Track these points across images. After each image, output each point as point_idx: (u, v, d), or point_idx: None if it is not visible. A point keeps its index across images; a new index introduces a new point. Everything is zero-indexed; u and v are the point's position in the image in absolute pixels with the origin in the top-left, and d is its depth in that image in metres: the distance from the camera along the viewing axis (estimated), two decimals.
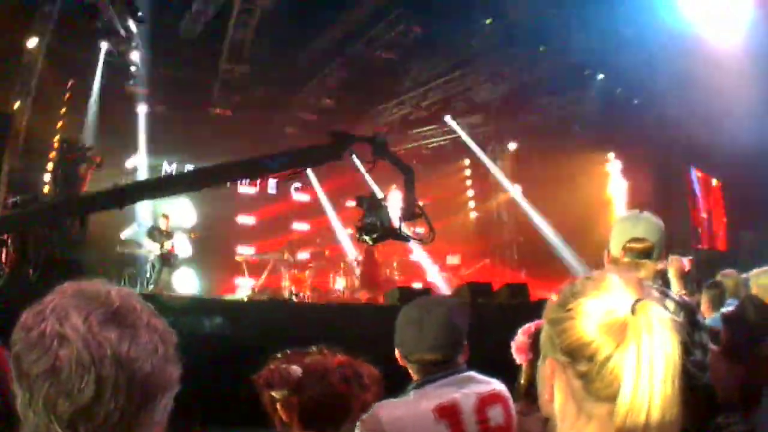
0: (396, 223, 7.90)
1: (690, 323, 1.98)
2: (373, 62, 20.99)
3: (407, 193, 8.15)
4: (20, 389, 1.57)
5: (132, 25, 17.78)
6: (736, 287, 6.78)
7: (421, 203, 8.16)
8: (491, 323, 3.73)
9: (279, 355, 3.16)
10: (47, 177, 17.26)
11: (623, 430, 1.55)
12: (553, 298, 1.82)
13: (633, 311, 1.62)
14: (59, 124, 18.04)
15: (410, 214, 7.97)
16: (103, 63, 18.52)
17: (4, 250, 12.24)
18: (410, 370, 3.62)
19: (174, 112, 20.83)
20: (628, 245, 4.19)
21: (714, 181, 17.62)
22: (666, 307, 1.69)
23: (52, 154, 17.46)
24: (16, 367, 1.58)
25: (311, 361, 3.08)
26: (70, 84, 18.08)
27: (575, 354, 1.68)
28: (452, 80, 21.90)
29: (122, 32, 17.92)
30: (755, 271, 6.30)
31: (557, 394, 1.78)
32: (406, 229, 8.24)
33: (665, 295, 1.87)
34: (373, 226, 7.80)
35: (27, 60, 16.55)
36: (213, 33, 19.03)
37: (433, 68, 21.79)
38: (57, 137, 17.74)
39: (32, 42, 16.45)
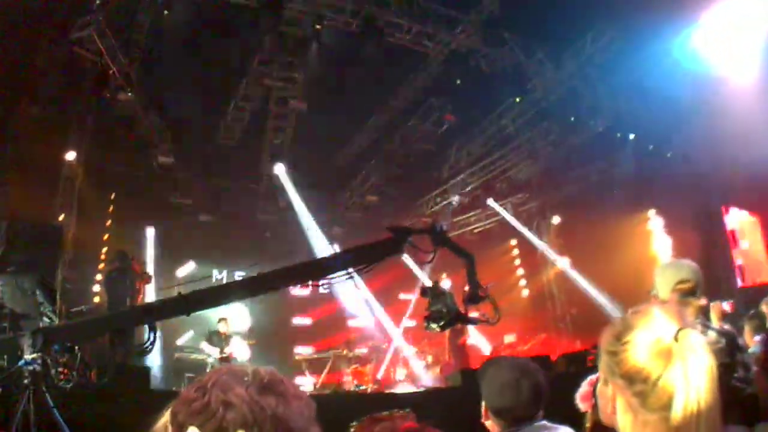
0: (461, 308, 7.97)
1: (731, 346, 2.29)
2: (412, 155, 21.35)
3: (470, 278, 8.18)
4: None
5: (170, 137, 18.30)
6: None
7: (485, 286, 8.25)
8: (552, 391, 3.94)
9: (353, 424, 3.32)
10: (96, 287, 17.70)
11: (679, 430, 1.94)
12: (608, 331, 2.16)
13: (676, 338, 1.98)
14: (106, 236, 18.51)
15: (475, 297, 8.02)
16: (146, 174, 19.01)
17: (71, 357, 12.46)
18: (492, 425, 3.91)
19: (220, 220, 21.23)
20: (677, 287, 4.74)
21: (752, 217, 17.50)
22: (708, 336, 2.07)
23: (101, 266, 17.85)
24: None
25: (381, 428, 3.23)
26: (113, 196, 18.56)
27: (632, 378, 2.03)
28: (490, 163, 22.21)
29: (159, 142, 18.48)
30: None
31: (619, 409, 2.12)
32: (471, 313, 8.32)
33: (707, 327, 2.21)
34: (440, 314, 7.86)
35: (67, 173, 17.05)
36: (252, 139, 19.52)
37: (470, 153, 22.10)
38: (105, 249, 18.21)
39: (71, 155, 16.96)
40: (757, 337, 6.58)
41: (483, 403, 3.97)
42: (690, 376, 1.93)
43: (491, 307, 8.11)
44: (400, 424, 3.26)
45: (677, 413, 1.93)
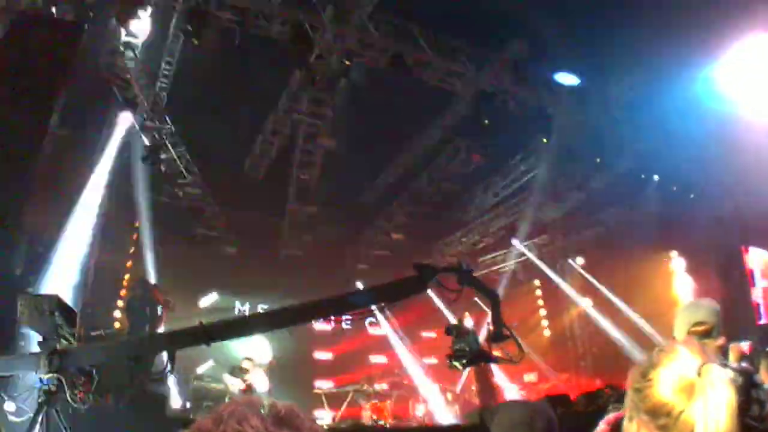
0: (484, 346, 7.96)
1: (747, 384, 2.35)
2: (437, 194, 21.41)
3: (495, 316, 8.16)
4: None
5: (195, 167, 18.52)
6: None
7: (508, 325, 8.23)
8: (572, 428, 4.01)
9: None
10: (117, 313, 17.86)
11: None
12: (635, 369, 2.27)
13: (699, 373, 2.09)
14: (129, 263, 18.68)
15: (500, 336, 7.99)
16: (170, 205, 19.26)
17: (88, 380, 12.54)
18: None
19: (244, 252, 21.35)
20: (693, 329, 4.81)
21: None
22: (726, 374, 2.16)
23: (123, 292, 17.98)
24: None
25: None
26: (137, 224, 18.57)
27: (656, 413, 2.13)
28: (515, 204, 22.30)
29: (186, 174, 18.69)
30: None
31: None
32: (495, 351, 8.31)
33: (725, 365, 2.28)
34: (463, 352, 7.85)
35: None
36: (278, 172, 19.71)
37: (495, 194, 22.15)
38: (127, 276, 18.39)
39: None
40: None
41: None
42: (710, 409, 2.00)
43: (514, 346, 8.10)
44: None
45: None
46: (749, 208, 15.79)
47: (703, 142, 15.91)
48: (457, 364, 7.98)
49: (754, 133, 15.07)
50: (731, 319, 4.47)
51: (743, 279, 17.04)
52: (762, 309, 16.90)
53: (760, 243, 17.25)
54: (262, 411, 1.84)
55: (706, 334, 4.99)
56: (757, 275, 17.25)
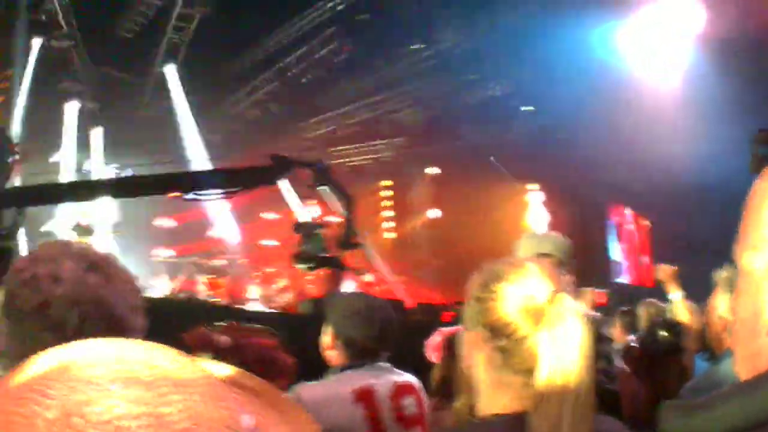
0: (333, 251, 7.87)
1: (595, 334, 2.23)
2: (303, 77, 21.20)
3: (347, 222, 8.10)
4: (9, 323, 1.79)
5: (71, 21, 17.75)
6: (650, 315, 7.02)
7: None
8: (402, 338, 3.90)
9: (217, 324, 3.35)
10: None
11: (540, 402, 1.83)
12: (477, 277, 2.07)
13: (551, 300, 1.91)
14: None
15: (350, 243, 7.91)
16: (38, 58, 18.34)
17: None
18: (337, 356, 3.81)
19: (105, 110, 20.71)
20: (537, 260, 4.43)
21: (642, 220, 17.95)
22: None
23: None
24: (8, 304, 1.79)
25: (237, 336, 3.27)
26: (10, 73, 17.99)
27: (496, 331, 1.95)
28: (378, 101, 22.25)
29: (64, 26, 17.90)
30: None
31: (479, 363, 2.04)
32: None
33: None
34: (310, 256, 7.76)
35: None
36: (151, 35, 19.16)
37: (361, 88, 22.08)
38: None
39: None
40: (632, 336, 6.80)
41: (329, 331, 3.86)
42: (558, 344, 1.84)
43: (364, 256, 8.15)
44: (257, 340, 3.35)
45: (540, 380, 1.83)
46: (622, 166, 16.17)
47: (585, 89, 16.11)
48: (302, 266, 7.99)
49: (645, 97, 15.45)
50: (585, 268, 4.38)
51: (603, 233, 17.62)
52: (623, 268, 17.56)
53: (631, 202, 17.78)
54: (79, 254, 1.85)
55: None
56: (619, 234, 17.87)
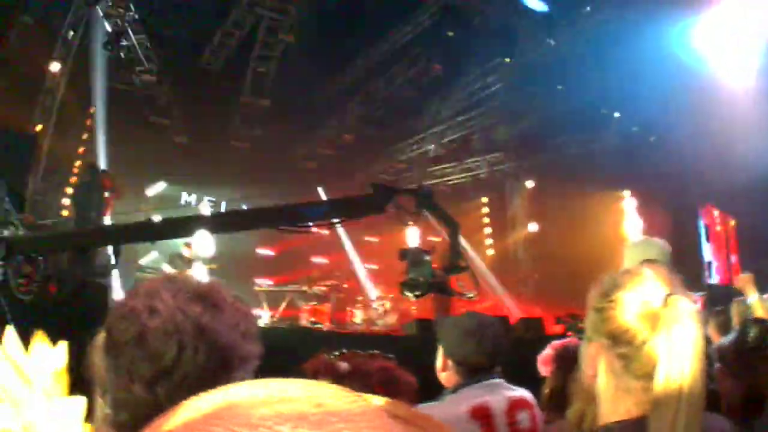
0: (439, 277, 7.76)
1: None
2: (394, 99, 21.29)
3: (452, 246, 8.00)
4: (109, 358, 1.79)
5: (154, 55, 18.15)
6: (741, 314, 6.94)
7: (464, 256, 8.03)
8: (510, 351, 3.97)
9: (335, 353, 3.34)
10: (66, 201, 17.64)
11: (660, 403, 1.86)
12: (596, 288, 2.13)
13: (665, 303, 1.94)
14: (81, 149, 18.44)
15: (456, 267, 7.81)
16: (126, 92, 18.88)
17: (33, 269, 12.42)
18: (451, 376, 3.89)
19: (195, 143, 21.08)
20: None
21: (730, 220, 17.56)
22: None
23: (73, 179, 17.73)
24: (107, 338, 1.81)
25: (357, 361, 3.26)
26: (92, 110, 18.25)
27: (616, 338, 2.00)
28: (471, 118, 22.21)
29: (145, 62, 18.28)
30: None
31: (600, 371, 2.09)
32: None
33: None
34: (417, 282, 7.66)
35: (50, 84, 16.89)
36: (236, 65, 19.55)
37: (452, 106, 22.05)
38: (78, 162, 18.13)
39: (55, 66, 16.85)
40: (726, 336, 6.65)
41: (440, 354, 3.95)
42: (675, 346, 1.88)
43: (469, 278, 8.00)
44: (375, 363, 3.30)
45: (659, 383, 1.88)
46: (709, 166, 15.82)
47: (669, 90, 15.85)
48: (409, 294, 7.89)
49: (726, 96, 15.11)
50: (681, 271, 4.30)
51: (696, 235, 17.22)
52: (713, 268, 17.13)
53: (716, 202, 17.39)
54: (180, 287, 1.83)
55: None
56: (711, 235, 17.45)
